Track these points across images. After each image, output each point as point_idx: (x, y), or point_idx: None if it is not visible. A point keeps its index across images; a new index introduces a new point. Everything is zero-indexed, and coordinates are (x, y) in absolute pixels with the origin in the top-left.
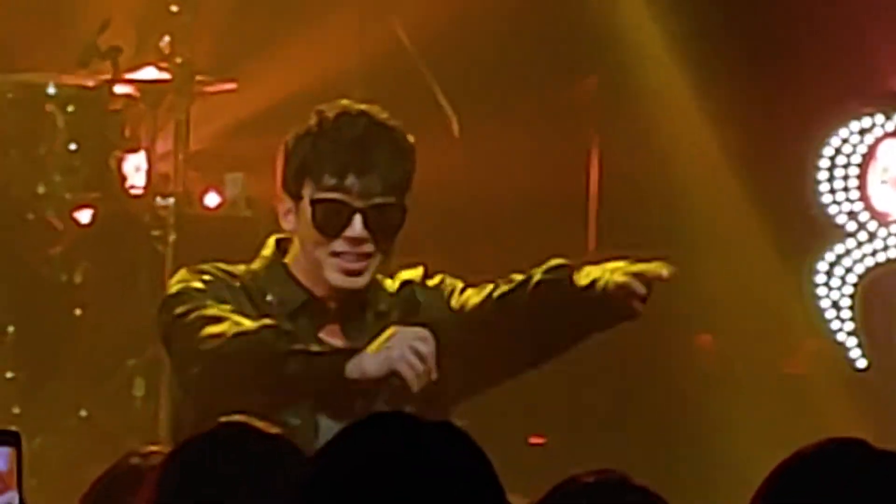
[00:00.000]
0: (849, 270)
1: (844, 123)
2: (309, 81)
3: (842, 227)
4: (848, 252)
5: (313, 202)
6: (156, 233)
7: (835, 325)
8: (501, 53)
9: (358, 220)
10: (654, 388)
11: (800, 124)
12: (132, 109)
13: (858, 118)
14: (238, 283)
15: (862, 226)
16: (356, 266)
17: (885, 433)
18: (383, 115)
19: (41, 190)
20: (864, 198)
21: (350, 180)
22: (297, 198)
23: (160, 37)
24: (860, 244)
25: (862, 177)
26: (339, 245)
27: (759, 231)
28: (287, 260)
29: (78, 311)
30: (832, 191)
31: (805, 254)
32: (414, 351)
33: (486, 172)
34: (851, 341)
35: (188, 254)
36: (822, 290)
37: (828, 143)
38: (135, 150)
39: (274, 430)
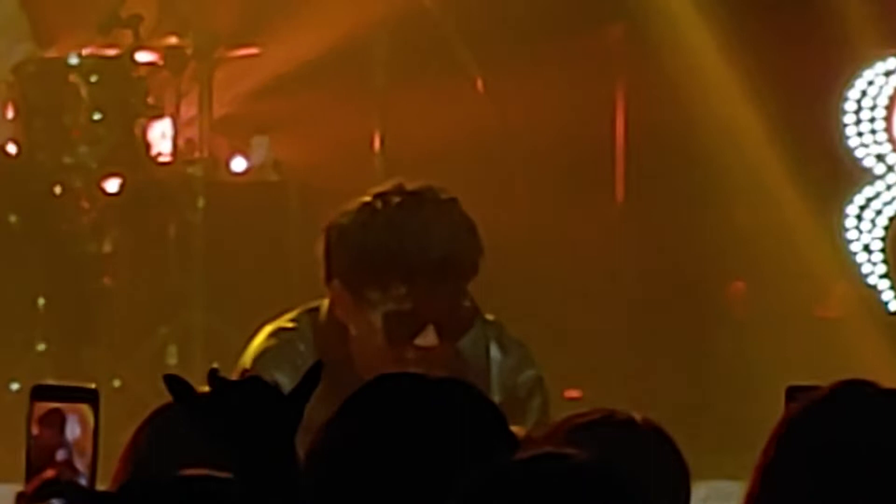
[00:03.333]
0: (879, 213)
1: (869, 65)
2: (332, 41)
3: (870, 169)
4: (877, 195)
5: (384, 314)
6: (184, 199)
7: (866, 268)
8: (524, 3)
9: (431, 329)
10: (687, 338)
11: (825, 68)
12: (156, 77)
13: (883, 59)
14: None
15: (890, 168)
16: (423, 371)
17: None
18: (443, 196)
19: (67, 161)
20: (891, 139)
21: (420, 286)
22: (358, 297)
23: (181, 2)
24: (889, 187)
25: (889, 118)
26: (409, 353)
27: (787, 177)
28: (351, 348)
29: (108, 281)
30: (859, 133)
31: (834, 198)
32: None
33: (513, 125)
34: (883, 284)
35: (217, 219)
36: (852, 234)
37: (853, 86)
38: (160, 118)
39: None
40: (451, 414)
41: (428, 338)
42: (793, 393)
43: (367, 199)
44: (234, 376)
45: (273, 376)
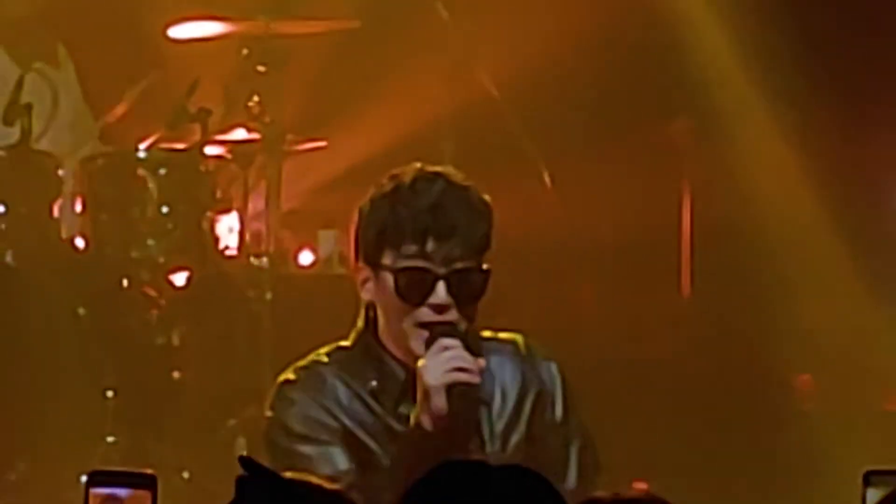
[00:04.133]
0: None
1: None
2: (399, 135)
3: None
4: None
5: (396, 271)
6: (251, 293)
7: None
8: (590, 97)
9: (441, 286)
10: (756, 430)
11: (891, 158)
12: (223, 170)
13: None
14: (330, 378)
15: None
16: (442, 333)
17: None
18: (459, 177)
19: (135, 254)
20: None
21: (431, 246)
22: (375, 266)
23: (249, 97)
24: None
25: None
26: (424, 314)
27: (853, 268)
28: (380, 334)
29: (177, 374)
30: None
31: None
32: (448, 360)
33: (580, 219)
34: None
35: (285, 313)
36: None
37: None
38: (227, 211)
39: (333, 486)
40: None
41: (439, 295)
42: (870, 477)
43: (384, 180)
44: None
45: (293, 401)
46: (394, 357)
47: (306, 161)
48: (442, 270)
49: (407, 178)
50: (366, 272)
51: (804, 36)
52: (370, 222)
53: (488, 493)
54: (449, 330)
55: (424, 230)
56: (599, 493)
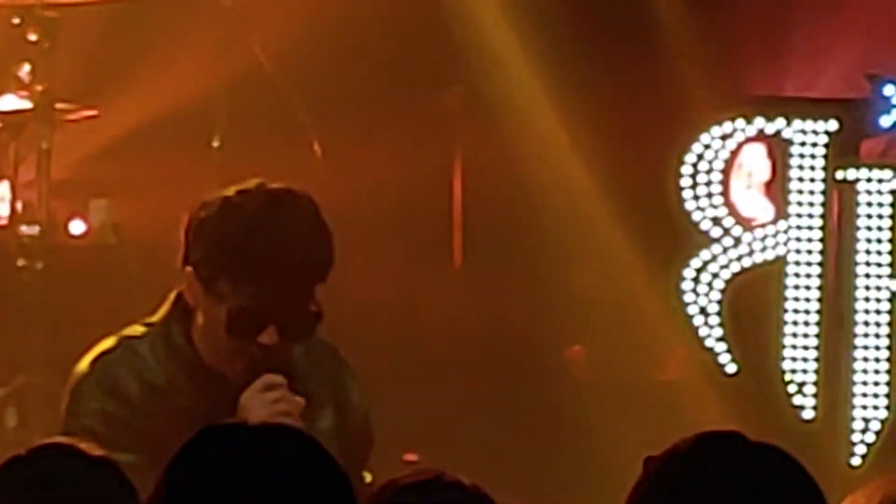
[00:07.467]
0: (715, 276)
1: (706, 129)
2: (171, 105)
3: (707, 233)
4: (714, 258)
5: (230, 310)
6: (22, 262)
7: (703, 331)
8: (363, 68)
9: (272, 329)
10: (526, 400)
11: (661, 131)
12: None
13: (720, 123)
14: (141, 356)
15: (727, 231)
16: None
17: (757, 436)
18: (303, 201)
19: None
20: (728, 203)
21: (269, 287)
22: (207, 286)
23: (19, 65)
24: (726, 250)
25: (725, 182)
26: (250, 348)
27: (625, 240)
28: (194, 336)
29: None
30: (696, 197)
31: (671, 261)
32: (273, 402)
33: (351, 189)
34: (720, 347)
35: (56, 282)
36: (689, 297)
37: (690, 150)
38: None
39: (98, 452)
40: (284, 463)
41: (269, 336)
42: (648, 463)
43: (230, 193)
44: (68, 386)
45: (114, 376)
46: (201, 359)
47: (78, 130)
48: (276, 314)
49: (250, 203)
50: (194, 283)
51: (577, 3)
52: (207, 241)
53: (254, 454)
54: (275, 363)
55: (264, 269)
56: (410, 474)
